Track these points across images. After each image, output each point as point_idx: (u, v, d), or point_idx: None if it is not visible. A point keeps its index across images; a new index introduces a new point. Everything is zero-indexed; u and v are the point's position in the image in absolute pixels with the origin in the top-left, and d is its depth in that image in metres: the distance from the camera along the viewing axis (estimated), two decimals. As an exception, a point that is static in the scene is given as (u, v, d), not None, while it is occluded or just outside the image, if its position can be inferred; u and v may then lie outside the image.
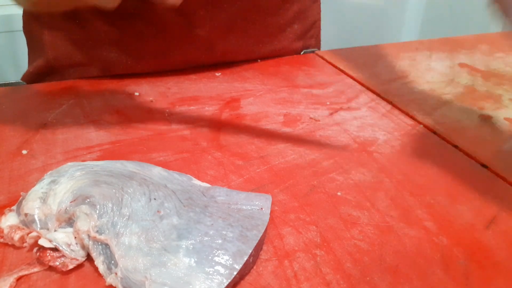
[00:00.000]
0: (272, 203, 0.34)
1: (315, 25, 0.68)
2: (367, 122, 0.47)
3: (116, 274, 0.26)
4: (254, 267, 0.28)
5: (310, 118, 0.47)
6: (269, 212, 0.31)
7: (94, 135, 0.42)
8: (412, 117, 0.48)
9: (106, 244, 0.27)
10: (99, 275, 0.27)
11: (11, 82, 0.55)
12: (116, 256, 0.26)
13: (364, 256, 0.29)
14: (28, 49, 0.58)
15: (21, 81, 0.56)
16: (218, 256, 0.26)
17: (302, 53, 0.67)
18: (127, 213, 0.28)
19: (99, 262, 0.27)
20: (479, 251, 0.30)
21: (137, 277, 0.25)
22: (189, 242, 0.27)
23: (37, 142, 0.41)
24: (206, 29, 0.55)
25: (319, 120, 0.47)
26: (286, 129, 0.45)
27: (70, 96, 0.50)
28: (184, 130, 0.44)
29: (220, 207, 0.31)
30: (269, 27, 0.61)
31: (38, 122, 0.44)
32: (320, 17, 0.68)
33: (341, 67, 0.61)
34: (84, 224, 0.27)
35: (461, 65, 0.62)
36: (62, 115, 0.46)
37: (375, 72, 0.60)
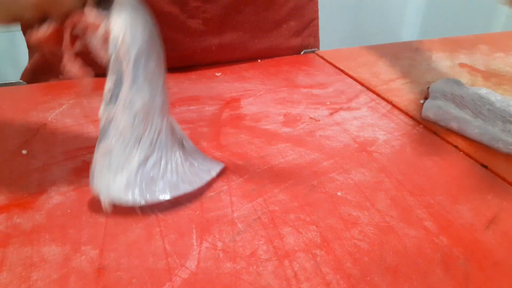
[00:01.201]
0: (272, 203, 0.34)
1: (313, 23, 0.68)
2: (367, 122, 0.47)
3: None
4: (254, 267, 0.28)
5: (310, 118, 0.47)
6: (215, 175, 0.35)
7: (94, 135, 0.42)
8: (412, 117, 0.48)
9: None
10: (99, 275, 0.27)
11: (11, 82, 0.55)
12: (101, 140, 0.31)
13: (364, 256, 0.29)
14: (28, 48, 0.58)
15: (21, 81, 0.56)
16: (145, 176, 0.31)
17: (302, 53, 0.67)
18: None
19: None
20: (479, 251, 0.30)
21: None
22: (140, 159, 0.31)
23: (37, 142, 0.41)
24: (199, 21, 0.56)
25: (319, 120, 0.47)
26: (286, 129, 0.45)
27: (70, 96, 0.50)
28: (184, 130, 0.44)
29: (179, 155, 0.34)
30: (264, 21, 0.61)
31: (38, 122, 0.44)
32: (317, 16, 0.68)
33: (341, 67, 0.61)
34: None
35: (461, 65, 0.62)
36: (62, 115, 0.46)
37: (375, 72, 0.60)
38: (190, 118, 0.46)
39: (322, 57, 0.66)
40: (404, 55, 0.66)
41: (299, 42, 0.66)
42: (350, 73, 0.60)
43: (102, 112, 0.31)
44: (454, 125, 0.45)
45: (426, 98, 0.50)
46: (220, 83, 0.56)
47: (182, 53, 0.57)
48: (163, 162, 0.32)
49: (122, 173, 0.31)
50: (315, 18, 0.68)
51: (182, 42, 0.57)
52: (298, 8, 0.64)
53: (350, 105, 0.51)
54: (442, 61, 0.64)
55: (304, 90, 0.54)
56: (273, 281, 0.27)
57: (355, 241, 0.30)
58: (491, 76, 0.59)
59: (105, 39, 0.30)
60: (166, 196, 0.31)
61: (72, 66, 0.31)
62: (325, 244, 0.30)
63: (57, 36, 0.31)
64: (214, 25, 0.57)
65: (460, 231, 0.32)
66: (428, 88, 0.51)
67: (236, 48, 0.61)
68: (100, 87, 0.53)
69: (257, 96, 0.52)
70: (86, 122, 0.45)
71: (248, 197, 0.34)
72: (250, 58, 0.63)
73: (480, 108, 0.46)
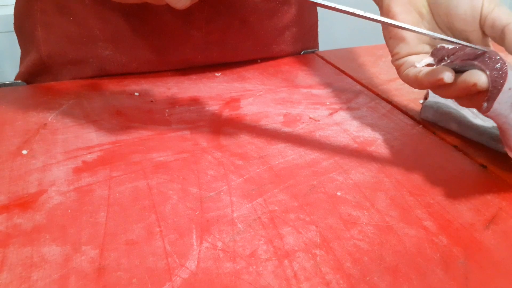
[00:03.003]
0: (272, 203, 0.34)
1: (313, 28, 0.68)
2: (367, 122, 0.47)
3: None
4: (254, 267, 0.28)
5: (310, 118, 0.47)
6: None
7: (94, 135, 0.42)
8: (412, 117, 0.48)
9: None
10: (100, 275, 0.27)
11: (11, 82, 0.55)
12: None
13: (364, 256, 0.29)
14: (21, 48, 0.58)
15: (21, 81, 0.56)
16: None
17: (302, 53, 0.67)
18: None
19: None
20: (478, 251, 0.30)
21: None
22: None
23: (37, 142, 0.41)
24: (203, 30, 0.55)
25: (319, 120, 0.47)
26: (286, 129, 0.45)
27: (70, 96, 0.50)
28: (184, 130, 0.44)
29: None
30: (267, 30, 0.60)
31: (39, 122, 0.44)
32: (317, 20, 0.68)
33: (341, 67, 0.61)
34: None
35: (461, 65, 0.62)
36: (62, 115, 0.46)
37: (375, 72, 0.60)
38: (190, 118, 0.47)
39: (321, 57, 0.66)
40: (404, 55, 0.66)
41: (299, 47, 0.66)
42: (350, 73, 0.60)
43: None
44: (453, 125, 0.45)
45: (425, 98, 0.50)
46: (220, 83, 0.56)
47: (183, 57, 0.57)
48: None
49: None
50: (315, 23, 0.68)
51: (183, 50, 0.56)
52: (300, 14, 0.63)
53: (349, 105, 0.51)
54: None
55: (304, 90, 0.54)
56: (273, 281, 0.27)
57: (354, 241, 0.30)
58: (491, 76, 0.59)
59: None
60: None
61: None
62: (325, 244, 0.30)
63: None
64: (217, 34, 0.57)
65: (459, 231, 0.32)
66: None
67: (238, 54, 0.61)
68: (100, 87, 0.53)
69: (257, 96, 0.52)
70: (86, 122, 0.45)
71: (248, 197, 0.35)
72: (254, 61, 0.63)
73: None
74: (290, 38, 0.64)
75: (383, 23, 0.34)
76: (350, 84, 0.57)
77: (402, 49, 0.38)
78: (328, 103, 0.51)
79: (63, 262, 0.28)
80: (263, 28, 0.60)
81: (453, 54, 0.35)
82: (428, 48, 0.38)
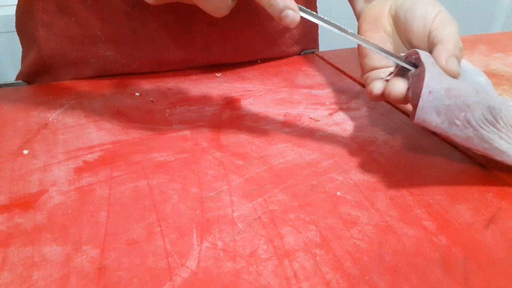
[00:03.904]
0: (272, 203, 0.34)
1: (313, 29, 0.68)
2: (367, 122, 0.47)
3: None
4: (254, 267, 0.28)
5: (310, 118, 0.48)
6: None
7: (95, 135, 0.43)
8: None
9: None
10: (100, 275, 0.27)
11: (12, 82, 0.55)
12: None
13: (364, 255, 0.29)
14: (22, 48, 0.58)
15: (21, 81, 0.56)
16: None
17: (302, 53, 0.67)
18: None
19: None
20: (478, 251, 0.30)
21: None
22: None
23: (38, 142, 0.41)
24: (203, 31, 0.55)
25: (319, 120, 0.47)
26: (286, 129, 0.45)
27: (71, 97, 0.51)
28: (184, 130, 0.44)
29: None
30: (267, 32, 0.60)
31: (39, 122, 0.45)
32: None
33: (341, 68, 0.62)
34: None
35: (461, 65, 0.63)
36: (63, 115, 0.46)
37: (375, 73, 0.60)
38: (190, 118, 0.47)
39: (321, 58, 0.66)
40: (404, 56, 0.66)
41: (300, 48, 0.66)
42: (350, 73, 0.60)
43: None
44: None
45: None
46: (220, 84, 0.56)
47: (183, 58, 0.57)
48: None
49: None
50: (316, 25, 0.68)
51: (184, 50, 0.57)
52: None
53: (349, 106, 0.51)
54: (442, 62, 0.64)
55: (304, 90, 0.54)
56: (273, 280, 0.27)
57: (354, 240, 0.31)
58: (490, 76, 0.59)
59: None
60: None
61: None
62: (325, 243, 0.30)
63: None
64: (218, 35, 0.57)
65: (459, 230, 0.32)
66: None
67: (238, 55, 0.61)
68: (100, 87, 0.53)
69: (257, 97, 0.52)
70: (87, 122, 0.45)
71: (248, 197, 0.35)
72: (254, 61, 0.63)
73: None
74: (291, 40, 0.64)
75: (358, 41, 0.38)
76: (350, 84, 0.57)
77: (365, 64, 0.41)
78: (328, 103, 0.51)
79: (63, 262, 0.28)
80: (264, 30, 0.60)
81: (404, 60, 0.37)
82: (392, 62, 0.40)
